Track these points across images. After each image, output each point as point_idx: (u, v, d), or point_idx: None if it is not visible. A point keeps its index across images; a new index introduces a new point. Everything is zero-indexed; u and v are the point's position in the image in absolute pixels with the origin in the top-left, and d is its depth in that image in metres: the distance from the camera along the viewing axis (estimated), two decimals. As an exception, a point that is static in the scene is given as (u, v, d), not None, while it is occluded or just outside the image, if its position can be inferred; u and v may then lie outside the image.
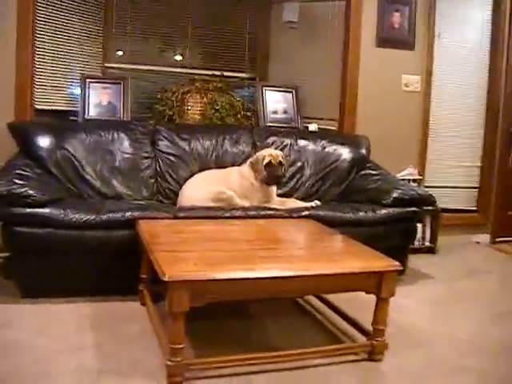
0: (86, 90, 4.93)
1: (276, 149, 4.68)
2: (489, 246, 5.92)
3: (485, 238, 5.99)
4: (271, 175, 4.31)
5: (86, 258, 3.66)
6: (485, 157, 5.96)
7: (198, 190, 4.28)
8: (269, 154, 4.35)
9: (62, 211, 3.62)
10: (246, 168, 4.42)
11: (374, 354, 2.98)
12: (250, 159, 4.46)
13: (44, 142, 4.27)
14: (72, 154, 4.31)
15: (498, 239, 6.00)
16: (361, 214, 4.19)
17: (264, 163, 4.28)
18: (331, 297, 3.58)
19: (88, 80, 4.98)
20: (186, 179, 4.47)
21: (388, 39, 5.38)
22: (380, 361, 2.98)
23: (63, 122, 4.90)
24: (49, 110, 4.87)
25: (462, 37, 5.71)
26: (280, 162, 4.34)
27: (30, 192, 3.56)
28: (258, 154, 4.44)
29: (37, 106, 4.73)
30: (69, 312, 3.46)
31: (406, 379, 2.83)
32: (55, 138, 4.32)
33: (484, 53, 5.81)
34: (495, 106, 5.85)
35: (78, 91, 5.04)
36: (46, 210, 3.58)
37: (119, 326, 3.28)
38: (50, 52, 4.85)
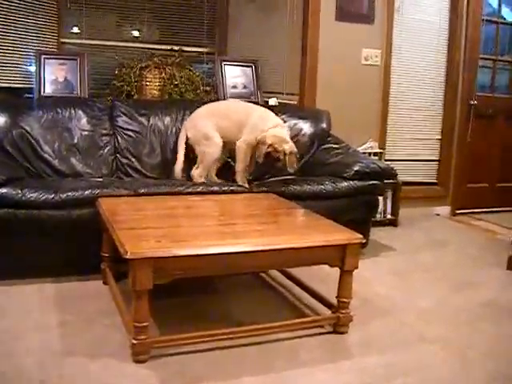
0: (42, 66, 4.80)
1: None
2: (449, 218, 6.00)
3: (445, 210, 6.08)
4: (268, 165, 4.14)
5: (47, 237, 3.59)
6: (444, 130, 6.01)
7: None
8: (275, 142, 4.00)
9: (20, 191, 3.53)
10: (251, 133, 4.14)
11: (339, 327, 3.00)
12: (261, 137, 4.03)
13: (-2, 120, 4.18)
14: (28, 133, 4.22)
15: (457, 211, 6.09)
16: (322, 187, 4.18)
17: (264, 151, 4.00)
18: (295, 271, 3.59)
19: (43, 56, 4.84)
20: (146, 155, 4.48)
21: (348, 13, 5.33)
22: (345, 333, 3.00)
23: (18, 100, 4.77)
24: (2, 88, 4.74)
25: (421, 10, 5.71)
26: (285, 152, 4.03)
27: (-14, 172, 3.48)
28: (270, 136, 4.00)
29: (-11, 84, 4.61)
30: (31, 293, 3.40)
31: (371, 350, 2.86)
32: (10, 116, 4.23)
33: (444, 26, 5.83)
34: (454, 79, 5.88)
35: (33, 68, 4.91)
36: (3, 190, 3.49)
37: (82, 306, 3.23)
38: (2, 27, 4.71)
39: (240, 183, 4.16)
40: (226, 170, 4.43)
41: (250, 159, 4.23)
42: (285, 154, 4.01)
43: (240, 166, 4.21)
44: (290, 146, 4.04)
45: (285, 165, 4.06)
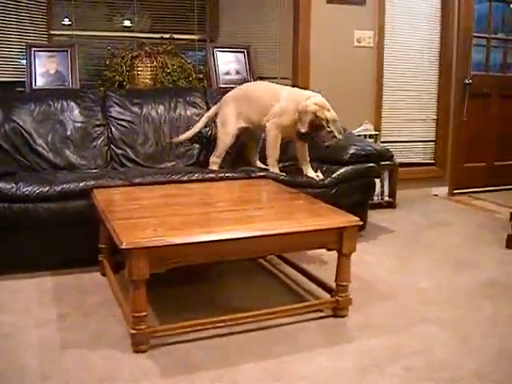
0: (32, 59, 4.77)
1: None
2: (447, 198, 5.99)
3: (443, 190, 6.06)
4: (318, 138, 4.00)
5: (43, 231, 3.57)
6: (440, 110, 5.99)
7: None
8: (317, 110, 3.91)
9: (14, 185, 3.51)
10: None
11: (338, 310, 2.99)
12: (302, 105, 3.95)
13: (-10, 114, 4.16)
14: (21, 126, 4.21)
15: (455, 191, 6.08)
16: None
17: (308, 120, 3.91)
18: (293, 256, 3.58)
19: (33, 49, 4.80)
20: (140, 144, 4.46)
21: (339, -6, 5.30)
22: (345, 316, 2.99)
23: (9, 94, 4.72)
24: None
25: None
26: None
27: (-21, 167, 3.46)
28: (311, 104, 3.93)
29: (-21, 78, 4.58)
30: (29, 287, 3.39)
31: (371, 333, 2.85)
32: (2, 110, 4.22)
33: (436, 5, 5.78)
34: (448, 58, 5.85)
35: (23, 61, 4.87)
36: (-2, 185, 3.48)
37: (81, 298, 3.23)
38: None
39: (271, 170, 4.14)
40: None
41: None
42: (327, 121, 3.92)
43: (271, 152, 4.17)
44: (331, 113, 3.97)
45: (328, 133, 3.95)
